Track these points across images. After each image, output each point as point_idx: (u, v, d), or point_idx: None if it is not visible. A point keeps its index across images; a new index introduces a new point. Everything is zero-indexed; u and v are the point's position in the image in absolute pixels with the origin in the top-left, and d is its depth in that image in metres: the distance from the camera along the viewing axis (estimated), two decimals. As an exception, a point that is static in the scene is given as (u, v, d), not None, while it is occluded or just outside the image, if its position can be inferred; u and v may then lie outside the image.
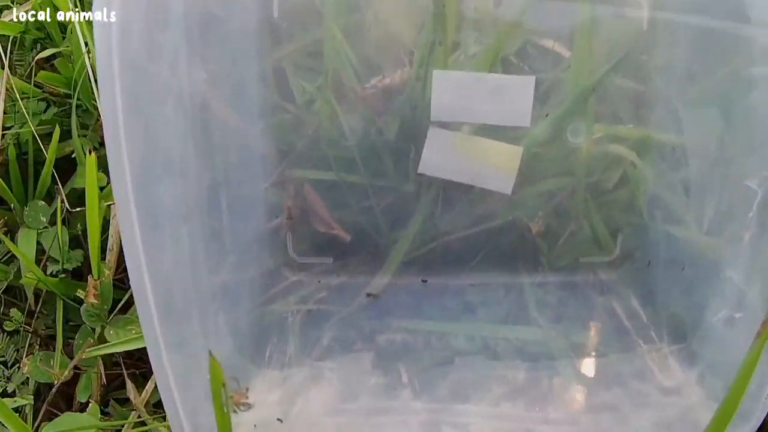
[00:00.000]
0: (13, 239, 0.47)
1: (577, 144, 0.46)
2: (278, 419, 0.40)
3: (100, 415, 0.42)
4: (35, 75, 0.49)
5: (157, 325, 0.31)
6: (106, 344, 0.43)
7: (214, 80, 0.39)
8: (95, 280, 0.43)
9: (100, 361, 0.43)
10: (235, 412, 0.38)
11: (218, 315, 0.39)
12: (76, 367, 0.43)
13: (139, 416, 0.41)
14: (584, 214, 0.48)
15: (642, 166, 0.46)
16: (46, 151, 0.47)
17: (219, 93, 0.40)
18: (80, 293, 0.43)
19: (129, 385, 0.43)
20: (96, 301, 0.42)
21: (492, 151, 0.46)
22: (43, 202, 0.49)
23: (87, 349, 0.42)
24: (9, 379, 0.44)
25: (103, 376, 0.43)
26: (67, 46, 0.50)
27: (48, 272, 0.47)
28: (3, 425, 0.37)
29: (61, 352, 0.44)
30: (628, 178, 0.47)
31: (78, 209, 0.47)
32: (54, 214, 0.47)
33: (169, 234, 0.34)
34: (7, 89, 0.47)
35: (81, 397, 0.43)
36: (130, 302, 0.45)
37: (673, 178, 0.44)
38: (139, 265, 0.30)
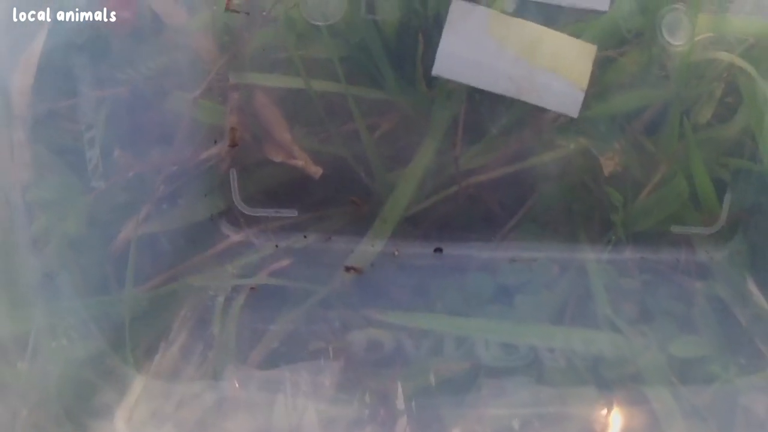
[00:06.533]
0: None
1: (675, 46, 0.34)
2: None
3: None
4: None
5: None
6: None
7: None
8: None
9: None
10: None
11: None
12: None
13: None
14: (679, 154, 0.36)
15: (765, 84, 0.34)
16: None
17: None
18: None
19: None
20: None
21: (551, 47, 0.33)
22: None
23: None
24: None
25: None
26: None
27: None
28: None
29: None
30: (742, 102, 0.35)
31: None
32: None
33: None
34: None
35: None
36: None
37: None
38: None
